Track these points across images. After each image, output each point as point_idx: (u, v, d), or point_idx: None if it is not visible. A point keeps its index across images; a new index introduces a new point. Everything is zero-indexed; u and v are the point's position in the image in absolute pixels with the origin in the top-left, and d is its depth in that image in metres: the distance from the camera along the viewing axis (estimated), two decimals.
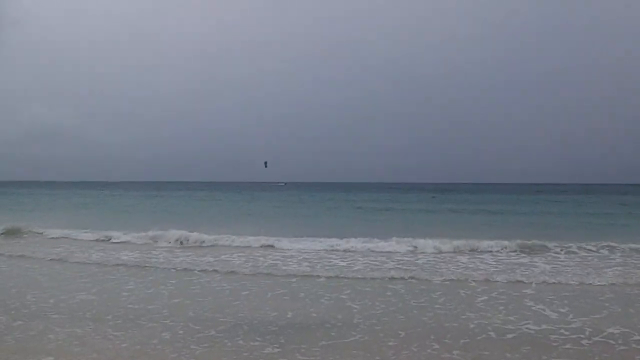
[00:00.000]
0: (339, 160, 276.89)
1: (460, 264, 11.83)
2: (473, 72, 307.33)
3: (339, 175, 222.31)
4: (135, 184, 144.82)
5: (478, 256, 12.91)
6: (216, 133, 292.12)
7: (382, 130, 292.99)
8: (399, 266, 11.53)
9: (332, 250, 13.79)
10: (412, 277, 10.19)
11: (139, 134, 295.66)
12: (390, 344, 6.01)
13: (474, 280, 9.93)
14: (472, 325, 6.77)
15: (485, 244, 13.92)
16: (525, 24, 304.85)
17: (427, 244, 13.83)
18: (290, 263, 11.93)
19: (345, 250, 13.73)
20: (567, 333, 6.41)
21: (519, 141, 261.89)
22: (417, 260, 12.37)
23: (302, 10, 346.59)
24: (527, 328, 6.66)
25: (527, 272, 10.71)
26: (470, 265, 11.59)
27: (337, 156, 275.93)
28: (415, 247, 13.81)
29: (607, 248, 13.67)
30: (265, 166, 42.14)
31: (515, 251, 13.51)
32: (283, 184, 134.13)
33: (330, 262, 12.07)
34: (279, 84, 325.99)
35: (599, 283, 9.64)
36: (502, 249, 13.63)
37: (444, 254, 13.17)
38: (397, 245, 14.06)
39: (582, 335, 6.31)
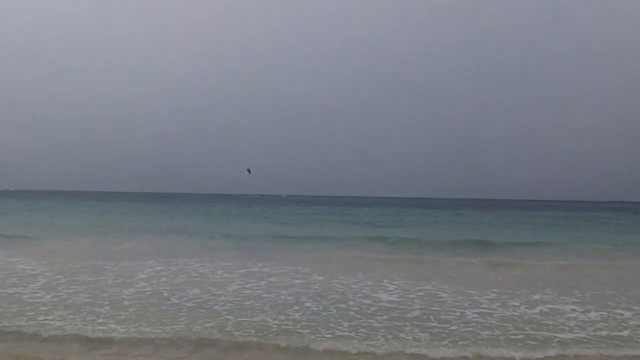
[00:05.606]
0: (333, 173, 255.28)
1: None
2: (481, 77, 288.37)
3: (340, 190, 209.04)
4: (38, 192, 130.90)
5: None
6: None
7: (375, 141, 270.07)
8: None
9: None
10: None
11: (56, 138, 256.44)
12: None
13: None
14: None
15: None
16: (542, 25, 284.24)
17: None
18: None
19: None
20: None
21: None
22: None
23: (291, 10, 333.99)
24: None
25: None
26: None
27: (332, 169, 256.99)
28: None
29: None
30: (249, 172, 39.95)
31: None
32: (259, 196, 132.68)
33: None
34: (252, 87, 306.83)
35: None
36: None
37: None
38: None
39: None
